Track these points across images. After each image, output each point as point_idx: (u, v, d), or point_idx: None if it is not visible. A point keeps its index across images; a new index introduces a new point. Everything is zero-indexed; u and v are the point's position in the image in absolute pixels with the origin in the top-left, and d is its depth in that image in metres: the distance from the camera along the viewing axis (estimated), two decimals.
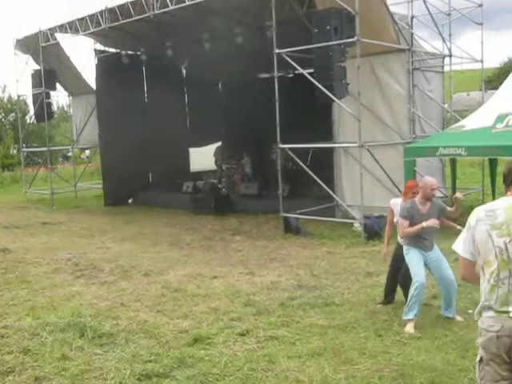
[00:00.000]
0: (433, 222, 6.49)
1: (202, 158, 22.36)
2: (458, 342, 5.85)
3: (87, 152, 35.29)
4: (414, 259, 6.68)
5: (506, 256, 3.20)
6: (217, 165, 20.67)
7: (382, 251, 7.59)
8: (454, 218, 7.01)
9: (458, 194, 7.15)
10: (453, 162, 13.97)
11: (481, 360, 3.36)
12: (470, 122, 11.78)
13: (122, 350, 5.91)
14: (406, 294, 6.95)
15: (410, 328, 6.34)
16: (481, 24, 16.24)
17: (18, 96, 25.91)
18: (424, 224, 6.48)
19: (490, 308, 3.27)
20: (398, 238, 7.15)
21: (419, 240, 6.68)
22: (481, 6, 15.91)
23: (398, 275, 7.20)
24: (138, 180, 20.74)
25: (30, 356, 5.78)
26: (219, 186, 19.32)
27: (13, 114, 38.29)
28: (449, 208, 7.01)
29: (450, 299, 6.70)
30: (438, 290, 7.64)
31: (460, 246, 3.41)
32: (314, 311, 7.06)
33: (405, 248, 6.82)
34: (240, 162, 19.69)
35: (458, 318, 6.68)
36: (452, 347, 5.75)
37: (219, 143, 21.90)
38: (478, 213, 3.35)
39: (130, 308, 7.46)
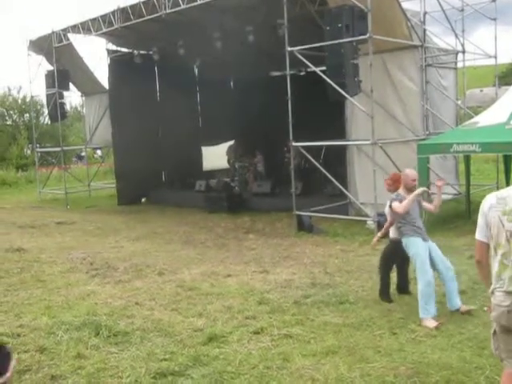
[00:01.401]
0: (422, 189, 6.85)
1: (215, 156, 22.39)
2: (473, 340, 5.81)
3: (99, 152, 35.47)
4: (420, 254, 6.70)
5: None
6: (229, 163, 20.69)
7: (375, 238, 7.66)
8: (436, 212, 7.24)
9: (439, 182, 7.03)
10: (467, 159, 13.87)
11: (494, 332, 3.73)
12: (484, 119, 11.71)
13: (137, 348, 5.93)
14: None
15: (430, 323, 6.32)
16: (494, 19, 16.13)
17: (32, 96, 26.07)
18: (416, 192, 6.72)
19: (501, 287, 3.60)
20: (391, 233, 7.23)
21: (417, 229, 6.78)
22: (494, 1, 15.81)
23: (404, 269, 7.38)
24: (151, 179, 20.85)
25: (46, 354, 5.81)
26: (232, 184, 19.35)
27: (27, 115, 38.54)
28: (428, 205, 7.14)
29: (452, 288, 6.71)
30: None
31: (477, 230, 3.74)
32: (328, 309, 7.04)
33: (407, 240, 6.81)
34: (253, 160, 19.69)
35: (464, 307, 6.69)
36: (468, 345, 5.71)
37: (232, 142, 21.90)
38: (490, 200, 3.68)
39: (145, 307, 7.48)
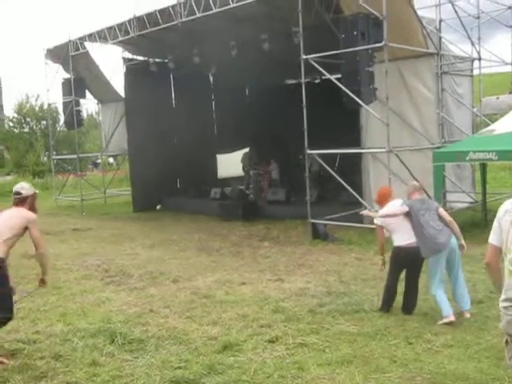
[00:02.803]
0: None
1: (230, 164, 22.43)
2: (490, 351, 5.75)
3: (111, 159, 35.69)
4: (435, 271, 6.81)
5: None
6: (244, 171, 20.70)
7: (380, 261, 7.59)
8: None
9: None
10: (483, 167, 13.76)
11: (506, 342, 3.69)
12: (501, 126, 11.59)
13: (152, 356, 5.94)
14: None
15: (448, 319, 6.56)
16: (511, 27, 16.01)
17: (49, 104, 26.31)
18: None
19: (506, 295, 3.57)
20: (395, 242, 7.18)
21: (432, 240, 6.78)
22: (511, 8, 15.70)
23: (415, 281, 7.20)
24: (166, 186, 20.94)
25: (61, 361, 5.85)
26: (247, 192, 19.35)
27: (44, 122, 38.92)
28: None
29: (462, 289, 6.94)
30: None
31: (490, 234, 3.74)
32: (344, 318, 7.00)
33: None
34: (267, 168, 19.69)
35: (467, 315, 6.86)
36: (485, 355, 5.65)
37: (247, 149, 21.91)
38: (506, 205, 3.70)
39: (160, 314, 7.50)
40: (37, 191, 6.39)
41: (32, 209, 6.15)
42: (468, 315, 6.89)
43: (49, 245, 13.49)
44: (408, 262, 7.04)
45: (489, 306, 7.19)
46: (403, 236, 7.03)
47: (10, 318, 5.87)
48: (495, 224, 3.70)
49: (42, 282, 6.24)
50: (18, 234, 5.94)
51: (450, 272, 7.04)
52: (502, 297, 3.62)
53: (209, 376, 5.38)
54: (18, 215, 5.98)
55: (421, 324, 6.68)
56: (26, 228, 5.93)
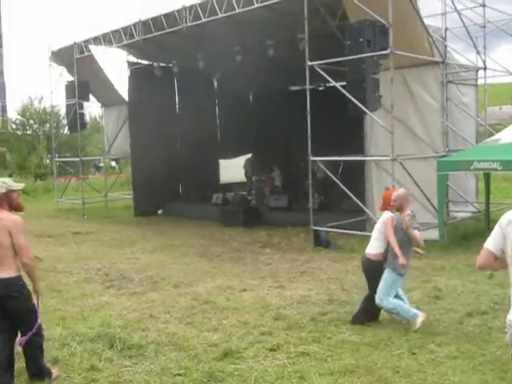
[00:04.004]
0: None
1: (232, 169, 22.39)
2: (495, 363, 5.66)
3: (113, 163, 35.69)
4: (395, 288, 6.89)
5: None
6: (247, 177, 20.67)
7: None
8: None
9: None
10: (487, 177, 13.68)
11: None
12: (507, 135, 11.53)
13: (151, 362, 5.86)
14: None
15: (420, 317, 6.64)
16: None
17: (52, 106, 26.30)
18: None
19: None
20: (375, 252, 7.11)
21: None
22: None
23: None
24: (168, 191, 20.87)
25: (59, 366, 5.77)
26: (249, 198, 19.31)
27: (47, 125, 38.95)
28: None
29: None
30: (472, 307, 7.49)
31: (488, 238, 3.68)
32: (346, 327, 6.92)
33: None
34: (270, 174, 19.64)
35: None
36: (489, 367, 5.56)
37: (249, 155, 21.90)
38: (509, 215, 3.64)
39: (160, 320, 7.42)
40: (13, 187, 5.39)
41: (15, 208, 5.42)
42: None
43: (49, 247, 13.53)
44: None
45: (492, 317, 7.10)
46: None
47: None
48: (496, 230, 3.66)
49: (35, 292, 5.48)
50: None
51: None
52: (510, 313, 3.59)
53: None
54: None
55: (424, 334, 6.59)
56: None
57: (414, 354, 6.00)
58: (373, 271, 7.04)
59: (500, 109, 50.19)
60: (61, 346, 6.32)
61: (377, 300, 6.83)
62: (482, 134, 15.99)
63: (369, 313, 7.08)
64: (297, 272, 10.45)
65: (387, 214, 7.03)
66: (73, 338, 6.52)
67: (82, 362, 5.82)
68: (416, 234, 6.68)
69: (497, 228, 3.66)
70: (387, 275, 6.84)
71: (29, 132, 41.42)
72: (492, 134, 13.64)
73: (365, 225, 13.91)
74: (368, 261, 7.14)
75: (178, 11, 15.39)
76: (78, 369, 5.68)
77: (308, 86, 13.15)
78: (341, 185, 13.25)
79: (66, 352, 6.12)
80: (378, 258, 7.04)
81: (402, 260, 6.61)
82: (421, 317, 6.72)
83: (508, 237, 3.57)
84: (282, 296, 8.58)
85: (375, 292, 6.88)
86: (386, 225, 6.94)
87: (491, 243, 3.67)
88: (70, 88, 20.91)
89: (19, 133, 41.72)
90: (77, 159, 23.15)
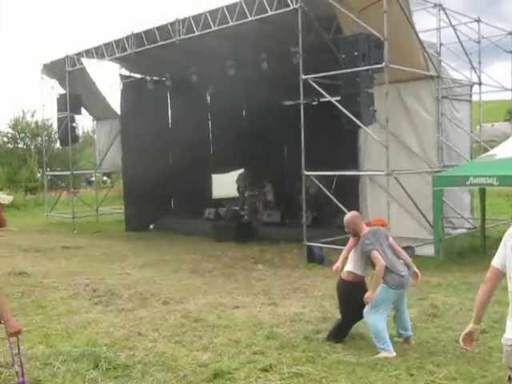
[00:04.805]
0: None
1: (225, 184, 22.23)
2: None
3: (104, 177, 35.46)
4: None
5: None
6: (239, 192, 20.49)
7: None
8: None
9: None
10: (482, 193, 13.54)
11: (509, 379, 3.52)
12: (503, 151, 11.42)
13: (137, 383, 5.59)
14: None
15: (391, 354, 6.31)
16: (511, 52, 15.96)
17: (44, 120, 26.09)
18: None
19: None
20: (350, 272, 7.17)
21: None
22: (511, 33, 15.65)
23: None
24: (160, 206, 20.66)
25: None
26: (241, 213, 19.12)
27: (39, 138, 38.69)
28: None
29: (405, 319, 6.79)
30: None
31: (495, 257, 3.63)
32: (341, 346, 6.67)
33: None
34: (262, 189, 19.47)
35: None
36: None
37: (242, 170, 21.73)
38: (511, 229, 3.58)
39: (148, 338, 7.15)
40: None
41: None
42: (413, 342, 6.78)
43: (36, 262, 13.23)
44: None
45: (492, 336, 6.88)
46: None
47: None
48: (500, 248, 3.59)
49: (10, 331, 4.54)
50: None
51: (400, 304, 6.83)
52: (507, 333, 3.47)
53: None
54: None
55: (422, 354, 6.37)
56: None
57: (412, 375, 5.75)
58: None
59: (492, 126, 50.41)
60: (43, 365, 6.03)
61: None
62: (475, 150, 15.91)
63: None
64: (290, 289, 10.22)
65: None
66: (56, 357, 6.22)
67: (64, 383, 5.54)
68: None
69: (501, 244, 3.59)
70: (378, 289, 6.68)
71: (20, 145, 41.12)
72: (486, 150, 13.54)
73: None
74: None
75: (171, 24, 15.26)
76: None
77: (302, 100, 13.00)
78: (335, 200, 13.06)
79: (47, 372, 5.82)
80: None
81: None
82: (389, 355, 6.30)
83: (507, 250, 3.51)
84: (274, 313, 8.34)
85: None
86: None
87: (495, 260, 3.61)
88: (61, 101, 20.71)
89: (10, 146, 41.40)
90: (68, 173, 22.92)
